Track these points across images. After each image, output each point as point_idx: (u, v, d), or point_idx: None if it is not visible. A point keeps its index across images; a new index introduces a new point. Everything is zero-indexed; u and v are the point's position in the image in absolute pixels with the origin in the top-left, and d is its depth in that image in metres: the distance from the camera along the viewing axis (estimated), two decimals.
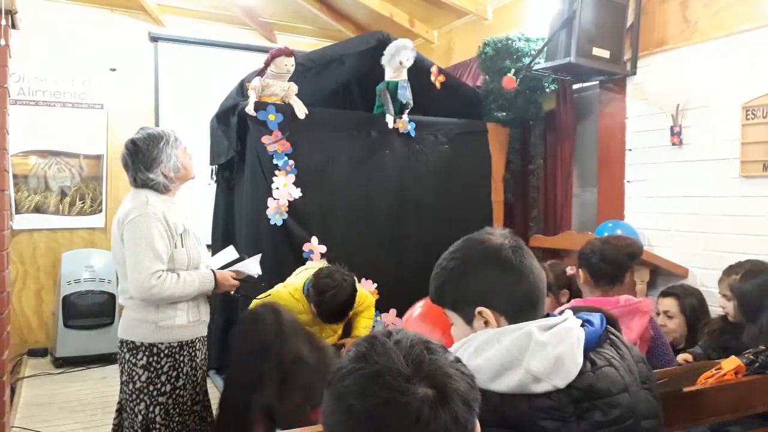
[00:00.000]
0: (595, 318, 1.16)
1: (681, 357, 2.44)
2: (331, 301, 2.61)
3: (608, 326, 1.18)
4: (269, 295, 2.77)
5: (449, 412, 0.76)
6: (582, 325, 1.12)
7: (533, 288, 1.14)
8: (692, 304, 2.68)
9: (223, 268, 2.41)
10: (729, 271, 2.51)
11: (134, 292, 2.13)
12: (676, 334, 2.69)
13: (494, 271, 1.14)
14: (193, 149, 2.41)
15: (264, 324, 2.04)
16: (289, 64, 3.44)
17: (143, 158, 2.22)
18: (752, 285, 2.36)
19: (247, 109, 3.40)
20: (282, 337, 1.98)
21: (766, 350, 2.00)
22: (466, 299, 1.16)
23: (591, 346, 1.10)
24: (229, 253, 2.53)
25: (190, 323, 2.27)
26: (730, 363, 1.87)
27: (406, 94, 3.77)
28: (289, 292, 2.77)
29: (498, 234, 1.19)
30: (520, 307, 1.13)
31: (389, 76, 3.81)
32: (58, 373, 4.47)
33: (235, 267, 2.43)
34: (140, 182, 2.24)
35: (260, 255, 2.54)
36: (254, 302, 2.81)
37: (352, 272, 2.81)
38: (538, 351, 1.03)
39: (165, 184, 2.25)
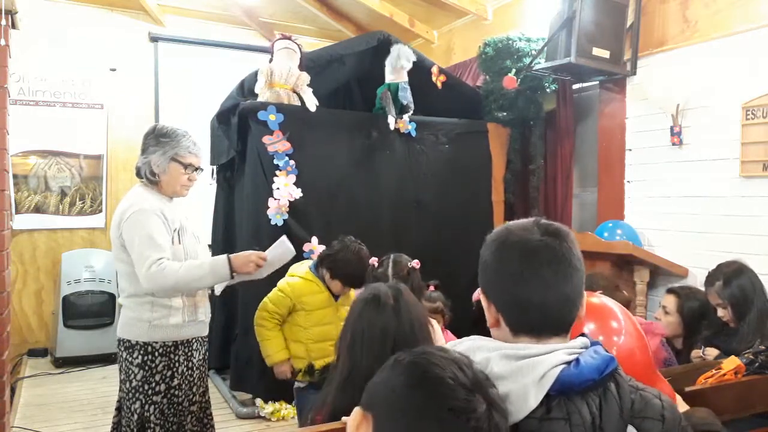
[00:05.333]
0: (596, 360, 1.01)
1: (698, 352, 2.45)
2: (345, 260, 2.68)
3: (617, 374, 1.03)
4: (279, 290, 2.78)
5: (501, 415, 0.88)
6: (569, 363, 1.00)
7: (534, 305, 1.02)
8: (692, 307, 2.68)
9: None
10: (711, 279, 2.51)
11: (144, 285, 2.13)
12: (668, 330, 2.70)
13: (501, 269, 1.06)
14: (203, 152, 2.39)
15: (385, 306, 1.66)
16: (288, 42, 3.57)
17: (144, 140, 2.27)
18: (734, 287, 2.38)
19: (256, 89, 3.48)
20: (400, 321, 1.63)
21: (765, 350, 2.00)
22: (479, 277, 1.10)
23: (565, 389, 0.97)
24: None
25: (186, 323, 2.26)
26: (730, 363, 1.87)
27: (407, 96, 3.79)
28: (300, 277, 2.78)
29: (537, 230, 1.05)
30: (519, 320, 1.05)
31: (389, 78, 3.82)
32: (58, 373, 4.47)
33: (269, 253, 2.32)
34: (137, 168, 2.29)
35: (285, 237, 2.45)
36: (264, 301, 2.81)
37: None
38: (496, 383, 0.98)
39: (146, 173, 2.26)
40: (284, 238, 2.39)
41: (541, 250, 1.03)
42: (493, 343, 1.05)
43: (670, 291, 2.78)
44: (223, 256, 2.23)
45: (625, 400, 1.00)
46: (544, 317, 1.03)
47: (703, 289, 2.92)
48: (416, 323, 1.62)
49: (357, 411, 0.92)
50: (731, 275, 2.43)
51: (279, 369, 2.77)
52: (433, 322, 2.16)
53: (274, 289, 2.82)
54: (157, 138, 2.25)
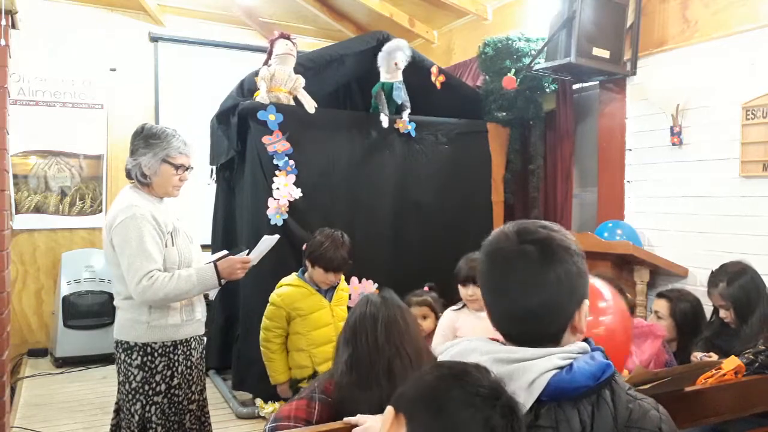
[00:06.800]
0: (591, 366, 0.97)
1: (696, 355, 2.44)
2: (318, 243, 2.72)
3: (614, 381, 1.00)
4: (271, 304, 2.79)
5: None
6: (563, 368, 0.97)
7: (509, 316, 1.02)
8: (684, 309, 2.68)
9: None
10: (714, 280, 2.50)
11: (133, 296, 2.13)
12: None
13: (482, 271, 1.07)
14: (193, 149, 2.37)
15: (373, 301, 1.78)
16: (288, 44, 3.53)
17: (133, 141, 2.25)
18: (737, 288, 2.38)
19: (260, 98, 3.44)
20: (388, 308, 1.76)
21: (765, 350, 2.00)
22: None
23: (557, 395, 0.95)
24: (222, 253, 2.47)
25: (184, 322, 2.26)
26: (730, 363, 1.88)
27: (401, 95, 3.77)
28: (287, 285, 2.80)
29: (516, 238, 1.03)
30: (502, 329, 1.04)
31: (384, 77, 3.81)
32: (58, 373, 4.47)
33: (253, 254, 2.34)
34: (127, 170, 2.26)
35: (266, 236, 2.47)
36: (263, 320, 2.82)
37: (353, 272, 2.85)
38: None
39: (137, 175, 2.23)
40: (265, 236, 2.43)
41: (513, 260, 1.01)
42: (488, 345, 1.04)
43: (660, 295, 2.78)
44: (210, 266, 2.23)
45: (620, 409, 0.97)
46: (519, 328, 1.02)
47: (697, 289, 2.93)
48: (406, 312, 1.78)
49: (388, 412, 0.93)
50: (735, 276, 2.42)
51: (280, 389, 2.85)
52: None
53: (267, 305, 2.82)
54: (146, 139, 2.22)
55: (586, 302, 1.02)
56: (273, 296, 2.80)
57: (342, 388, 1.66)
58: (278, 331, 2.77)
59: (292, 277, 2.83)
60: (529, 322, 1.01)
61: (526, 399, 0.94)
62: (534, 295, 0.99)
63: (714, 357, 2.34)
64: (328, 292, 2.82)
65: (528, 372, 0.96)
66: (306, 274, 2.80)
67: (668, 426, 1.01)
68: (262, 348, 2.82)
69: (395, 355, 1.66)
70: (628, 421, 0.98)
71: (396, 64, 3.73)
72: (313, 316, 2.74)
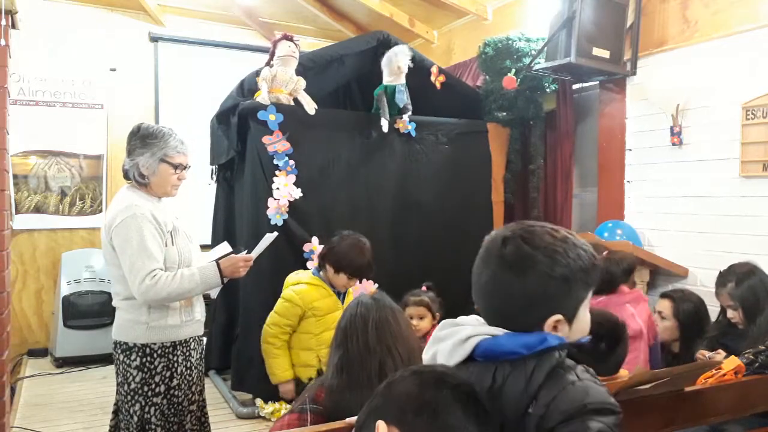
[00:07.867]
0: (522, 338, 1.02)
1: (705, 353, 2.44)
2: (345, 251, 2.71)
3: (546, 355, 1.01)
4: (285, 299, 2.77)
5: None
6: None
7: (476, 301, 1.11)
8: (687, 309, 2.68)
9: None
10: (722, 280, 2.51)
11: (136, 296, 2.13)
12: (665, 335, 2.71)
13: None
14: (193, 149, 2.38)
15: (364, 302, 1.77)
16: (291, 46, 3.52)
17: (129, 141, 2.24)
18: (745, 288, 2.38)
19: (260, 99, 3.43)
20: (379, 308, 1.75)
21: (765, 350, 2.00)
22: None
23: (488, 356, 1.04)
24: (223, 248, 2.45)
25: (184, 323, 2.25)
26: (730, 363, 1.88)
27: (403, 98, 3.77)
28: (305, 283, 2.78)
29: (500, 240, 1.08)
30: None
31: (387, 79, 3.81)
32: (58, 373, 4.46)
33: (254, 253, 2.35)
34: (124, 171, 2.25)
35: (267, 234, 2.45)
36: (271, 315, 2.80)
37: None
38: (434, 344, 1.14)
39: (135, 175, 2.22)
40: (267, 234, 2.42)
41: (487, 260, 1.08)
42: (464, 319, 1.14)
43: (663, 296, 2.78)
44: (213, 265, 2.23)
45: (537, 376, 0.99)
46: (486, 319, 1.11)
47: (698, 289, 2.93)
48: (398, 313, 1.76)
49: (380, 426, 0.95)
50: (744, 276, 2.43)
51: (284, 388, 2.80)
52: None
53: (280, 301, 2.79)
54: (143, 139, 2.21)
55: (555, 318, 1.04)
56: (289, 293, 2.77)
57: (333, 392, 1.65)
58: (287, 329, 2.75)
59: (308, 276, 2.81)
60: (487, 318, 1.10)
61: (456, 355, 1.06)
62: (488, 298, 1.09)
63: (722, 354, 2.34)
64: (341, 294, 2.82)
65: (461, 332, 1.08)
66: (322, 274, 2.79)
67: (578, 392, 0.97)
68: (264, 345, 2.78)
69: (387, 356, 1.66)
70: (542, 385, 1.00)
71: (399, 67, 3.72)
72: (328, 317, 2.73)
